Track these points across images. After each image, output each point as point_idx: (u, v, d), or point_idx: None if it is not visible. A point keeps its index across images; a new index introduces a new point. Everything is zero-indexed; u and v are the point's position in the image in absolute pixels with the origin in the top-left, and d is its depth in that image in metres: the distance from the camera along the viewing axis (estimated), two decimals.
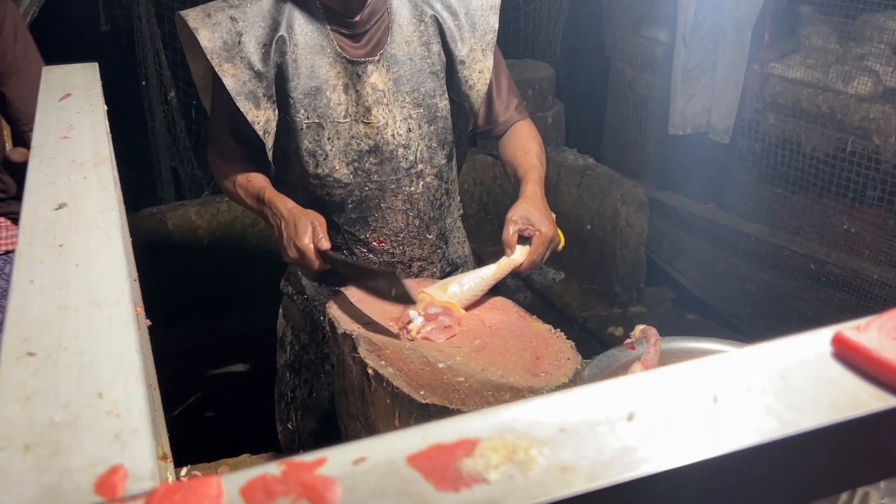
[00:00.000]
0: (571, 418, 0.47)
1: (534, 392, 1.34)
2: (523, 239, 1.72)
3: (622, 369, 1.73)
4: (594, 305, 4.32)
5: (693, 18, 3.84)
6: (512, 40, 4.95)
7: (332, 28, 1.76)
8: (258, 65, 1.73)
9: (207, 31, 1.72)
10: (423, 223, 1.91)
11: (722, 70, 3.86)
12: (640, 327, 1.84)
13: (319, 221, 1.67)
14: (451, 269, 2.03)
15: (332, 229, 1.85)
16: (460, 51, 1.83)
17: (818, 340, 0.54)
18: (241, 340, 3.98)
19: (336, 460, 0.44)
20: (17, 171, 2.33)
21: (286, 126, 1.79)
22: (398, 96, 1.80)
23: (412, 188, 1.86)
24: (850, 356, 0.52)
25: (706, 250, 4.24)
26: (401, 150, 1.82)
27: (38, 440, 0.48)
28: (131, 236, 1.00)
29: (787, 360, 0.53)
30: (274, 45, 1.73)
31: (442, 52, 1.84)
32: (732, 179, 4.11)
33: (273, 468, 0.44)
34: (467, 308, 1.63)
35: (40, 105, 1.18)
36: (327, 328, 1.65)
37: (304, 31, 1.75)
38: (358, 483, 0.42)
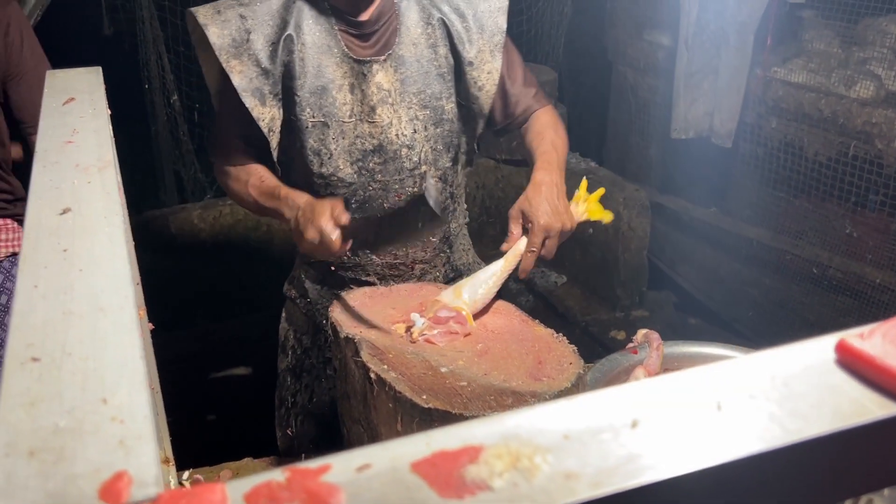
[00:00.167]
0: (575, 425, 0.47)
1: (536, 396, 1.34)
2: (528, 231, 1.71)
3: (624, 374, 1.73)
4: (596, 309, 4.32)
5: (695, 23, 3.84)
6: (515, 44, 4.95)
7: (340, 28, 1.77)
8: (265, 62, 1.74)
9: (217, 28, 1.73)
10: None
11: (724, 74, 3.86)
12: (642, 332, 1.84)
13: (337, 201, 1.61)
14: (455, 275, 2.02)
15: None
16: (468, 52, 1.84)
17: (821, 347, 0.54)
18: (243, 344, 3.98)
19: (340, 467, 0.44)
20: (26, 174, 2.34)
21: (292, 125, 1.80)
22: (405, 97, 1.80)
23: (416, 189, 1.86)
24: (853, 363, 0.52)
25: (708, 254, 4.24)
26: (405, 151, 1.82)
27: (42, 446, 0.48)
28: (133, 239, 1.01)
29: (791, 367, 0.53)
30: (282, 43, 1.74)
31: (449, 54, 1.85)
32: (735, 183, 4.11)
33: (277, 475, 0.44)
34: (476, 313, 1.63)
35: (44, 109, 1.18)
36: (329, 332, 1.65)
37: (312, 31, 1.76)
38: (362, 490, 0.42)
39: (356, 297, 1.68)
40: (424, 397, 1.32)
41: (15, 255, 2.22)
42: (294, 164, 1.85)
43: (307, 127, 1.78)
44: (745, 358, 0.54)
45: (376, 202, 1.85)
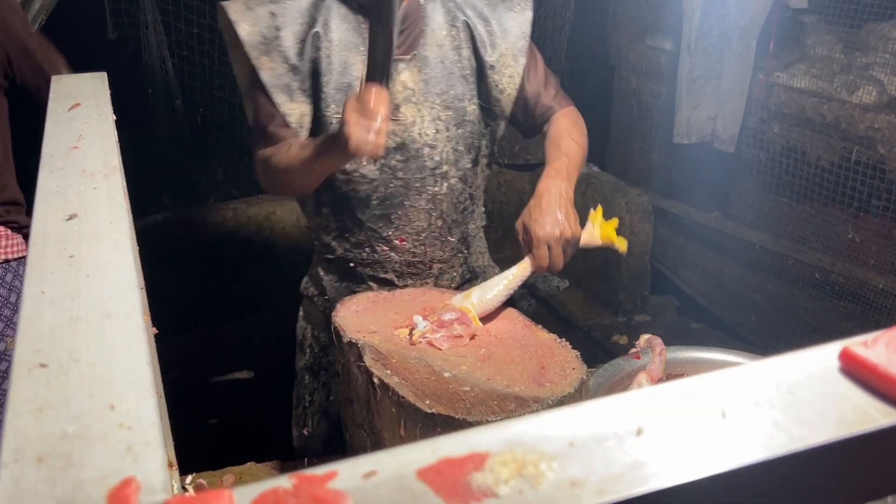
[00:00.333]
0: (580, 432, 0.47)
1: (539, 402, 1.34)
2: None
3: (627, 379, 1.73)
4: (598, 314, 4.32)
5: (698, 28, 3.85)
6: None
7: (367, 27, 1.78)
8: (294, 59, 1.77)
9: (247, 25, 1.77)
10: (445, 225, 1.93)
11: (727, 79, 3.86)
12: (645, 337, 1.84)
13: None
14: (471, 276, 2.04)
15: (356, 226, 1.89)
16: (490, 56, 1.87)
17: (825, 355, 0.54)
18: (246, 347, 3.98)
19: (347, 474, 0.45)
20: (25, 181, 2.32)
21: (317, 121, 1.82)
22: (428, 97, 1.83)
23: (436, 188, 1.88)
24: (857, 371, 0.52)
25: (711, 259, 4.24)
26: (427, 150, 1.84)
27: (50, 452, 0.48)
28: (136, 243, 1.01)
29: (795, 374, 0.53)
30: (309, 40, 1.78)
31: (472, 57, 1.88)
32: (737, 188, 4.11)
33: (284, 481, 0.44)
34: (484, 318, 1.63)
35: (50, 114, 1.19)
36: (333, 337, 1.65)
37: (339, 29, 1.79)
38: (368, 497, 0.42)
39: (359, 301, 1.69)
40: (427, 402, 1.32)
41: (7, 262, 2.22)
42: None
43: (332, 123, 1.80)
44: (750, 365, 0.54)
45: (397, 200, 1.86)
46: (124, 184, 0.95)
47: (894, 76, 3.36)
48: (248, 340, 4.02)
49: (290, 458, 2.03)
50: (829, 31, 3.71)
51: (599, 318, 4.28)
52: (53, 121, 1.14)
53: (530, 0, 1.96)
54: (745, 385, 0.52)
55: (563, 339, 1.56)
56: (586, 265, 4.41)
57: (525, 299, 4.46)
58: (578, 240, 1.72)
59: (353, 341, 1.49)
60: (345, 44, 1.79)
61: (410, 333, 1.54)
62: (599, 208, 1.82)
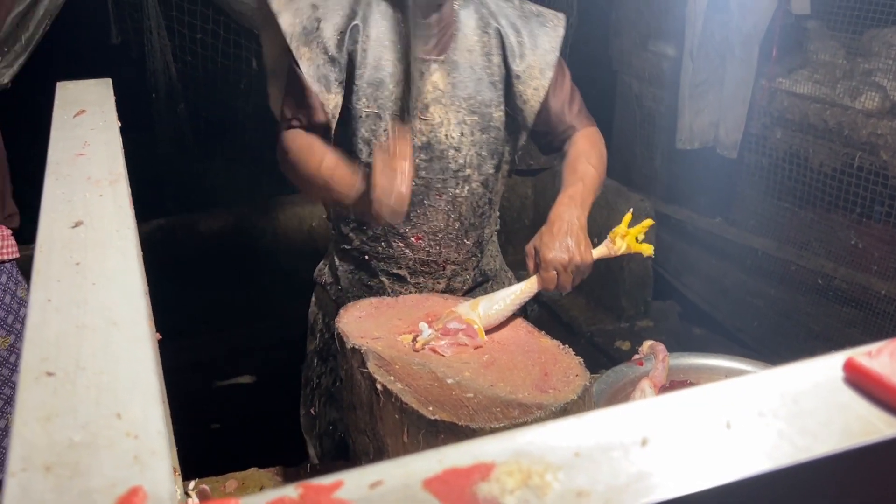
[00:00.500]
0: (586, 442, 0.47)
1: (542, 408, 1.34)
2: None
3: (630, 385, 1.73)
4: (601, 319, 4.32)
5: (700, 34, 3.85)
6: None
7: (404, 25, 1.82)
8: (333, 50, 1.80)
9: (289, 16, 1.81)
10: (462, 227, 1.94)
11: (729, 85, 3.87)
12: (647, 343, 1.84)
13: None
14: (483, 279, 2.06)
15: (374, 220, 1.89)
16: (518, 66, 1.89)
17: (830, 365, 0.55)
18: (248, 352, 3.99)
19: (353, 483, 0.45)
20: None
21: (347, 112, 1.85)
22: (454, 100, 1.85)
23: (457, 191, 1.90)
24: (861, 382, 0.52)
25: (713, 265, 4.24)
26: (451, 152, 1.86)
27: (58, 461, 0.48)
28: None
29: (799, 384, 0.53)
30: (349, 32, 1.81)
31: (502, 64, 1.89)
32: (740, 194, 4.11)
33: (291, 491, 0.44)
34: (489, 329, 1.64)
35: (55, 121, 1.19)
36: (336, 342, 1.65)
37: (378, 25, 1.82)
38: None
39: (363, 307, 1.69)
40: (431, 409, 1.32)
41: (2, 262, 2.22)
42: (343, 152, 1.87)
43: (361, 116, 1.83)
44: (754, 375, 0.54)
45: (417, 198, 1.87)
46: (129, 190, 0.95)
47: None
48: (251, 345, 4.02)
49: (292, 463, 2.03)
50: (831, 36, 3.71)
51: (602, 324, 4.28)
52: (59, 127, 1.15)
53: (563, 18, 1.98)
54: (750, 395, 0.52)
55: (566, 346, 1.56)
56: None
57: (527, 305, 4.45)
58: (589, 266, 1.74)
59: (357, 347, 1.49)
60: (381, 40, 1.82)
61: (414, 340, 1.54)
62: (628, 215, 1.79)
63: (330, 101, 1.82)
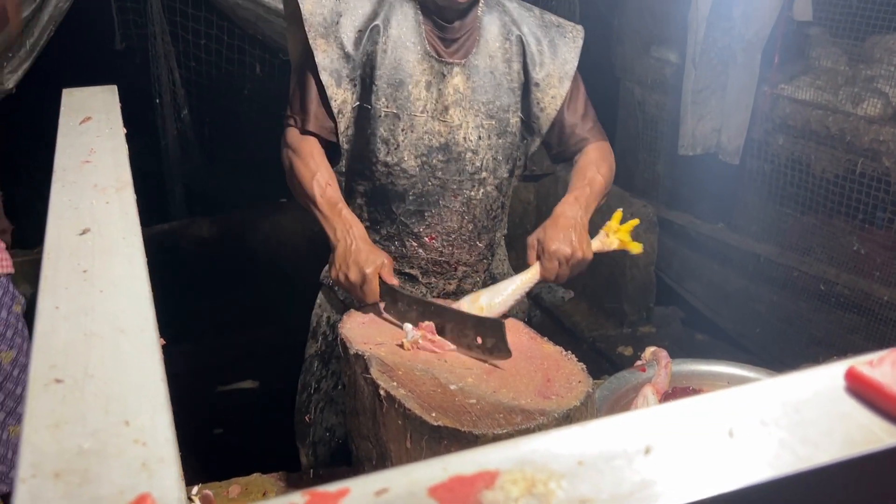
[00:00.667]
0: (589, 451, 0.48)
1: (545, 415, 1.34)
2: None
3: (633, 392, 1.73)
4: (603, 325, 4.32)
5: (703, 40, 3.86)
6: None
7: (427, 28, 1.86)
8: (349, 47, 1.83)
9: (311, 5, 1.83)
10: (475, 229, 1.97)
11: (732, 91, 3.87)
12: (650, 349, 1.85)
13: (389, 260, 1.71)
14: (491, 282, 2.07)
15: (388, 218, 1.93)
16: (538, 74, 1.92)
17: (831, 374, 0.55)
18: (251, 357, 3.99)
19: (359, 491, 0.45)
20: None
21: (365, 112, 1.87)
22: (473, 104, 1.87)
23: (472, 193, 1.92)
24: (863, 391, 0.53)
25: (715, 270, 4.24)
26: (469, 155, 1.89)
27: (67, 468, 0.49)
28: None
29: (801, 393, 0.53)
30: (368, 32, 1.84)
31: (521, 71, 1.92)
32: (742, 200, 4.12)
33: (297, 498, 0.45)
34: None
35: (61, 128, 1.20)
36: (340, 348, 1.66)
37: (399, 26, 1.85)
38: None
39: (366, 313, 1.69)
40: (434, 415, 1.32)
41: None
42: (361, 151, 1.91)
43: (380, 116, 1.85)
44: (756, 384, 0.54)
45: (432, 198, 1.90)
46: (134, 198, 0.96)
47: None
48: (254, 350, 4.02)
49: (295, 468, 2.04)
50: (833, 43, 3.72)
51: (604, 329, 4.28)
52: (65, 134, 1.15)
53: (581, 30, 2.01)
54: (752, 404, 0.52)
55: (569, 352, 1.56)
56: (591, 276, 4.41)
57: (530, 310, 4.46)
58: (588, 261, 1.77)
59: (360, 353, 1.49)
60: (402, 41, 1.84)
61: (401, 344, 1.55)
62: (618, 213, 1.85)
63: (338, 96, 1.85)
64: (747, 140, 3.88)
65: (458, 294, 1.95)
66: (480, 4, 1.89)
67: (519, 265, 1.76)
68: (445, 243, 1.96)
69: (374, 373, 1.43)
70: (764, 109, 3.80)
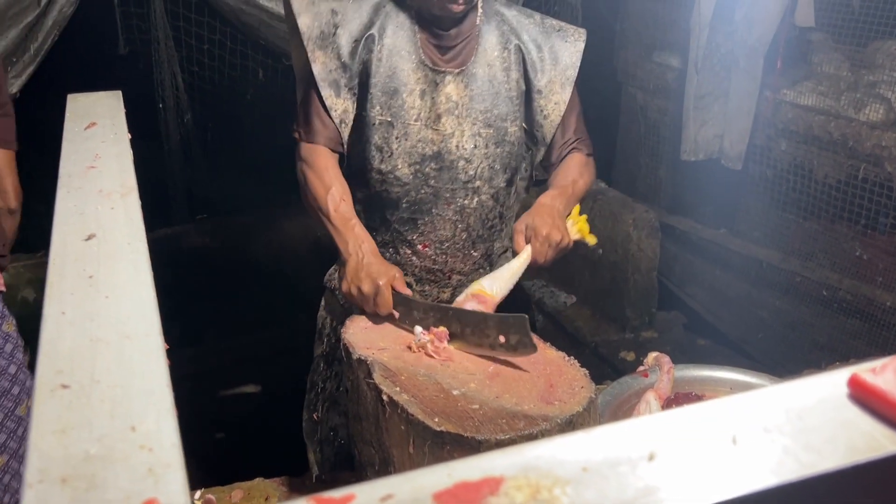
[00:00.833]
0: (594, 457, 0.48)
1: (548, 420, 1.34)
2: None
3: (635, 397, 1.73)
4: (606, 330, 4.32)
5: (705, 45, 3.86)
6: None
7: (423, 37, 1.87)
8: (346, 57, 1.86)
9: (308, 19, 1.86)
10: (469, 238, 1.97)
11: (734, 97, 3.88)
12: (653, 355, 1.85)
13: (399, 273, 1.71)
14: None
15: (383, 225, 1.95)
16: (539, 81, 1.93)
17: (834, 381, 0.55)
18: (254, 361, 3.99)
19: (364, 497, 0.46)
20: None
21: (361, 120, 1.89)
22: (471, 112, 1.88)
23: (466, 201, 1.92)
24: (865, 398, 0.53)
25: (718, 275, 4.24)
26: (462, 163, 1.89)
27: (74, 473, 0.49)
28: None
29: (804, 400, 0.54)
30: (363, 41, 1.86)
31: (521, 80, 1.93)
32: (744, 205, 4.12)
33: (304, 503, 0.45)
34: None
35: (66, 133, 1.21)
36: (342, 352, 1.66)
37: (394, 35, 1.87)
38: None
39: (369, 318, 1.70)
40: (437, 420, 1.32)
41: None
42: (357, 158, 1.93)
43: (374, 124, 1.87)
44: (760, 391, 0.55)
45: (425, 206, 1.92)
46: (140, 203, 0.96)
47: None
48: (257, 354, 4.02)
49: (297, 473, 2.04)
50: (836, 48, 3.73)
51: (607, 334, 4.28)
52: (70, 140, 1.16)
53: (584, 33, 2.01)
54: (756, 411, 0.52)
55: (572, 357, 1.56)
56: (593, 281, 4.41)
57: (532, 315, 4.46)
58: (570, 248, 1.81)
59: (363, 358, 1.50)
60: (397, 50, 1.86)
61: (409, 348, 1.56)
62: (577, 207, 1.91)
63: (338, 106, 1.87)
64: (750, 145, 3.88)
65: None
66: (479, 14, 1.89)
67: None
68: (438, 251, 1.96)
69: (377, 378, 1.43)
70: (766, 115, 3.81)
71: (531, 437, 1.31)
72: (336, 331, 2.11)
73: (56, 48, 3.55)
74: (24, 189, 2.36)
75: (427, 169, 1.88)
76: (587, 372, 1.51)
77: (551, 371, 1.51)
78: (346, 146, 1.91)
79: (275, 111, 4.39)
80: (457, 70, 1.87)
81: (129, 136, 1.21)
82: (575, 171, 1.96)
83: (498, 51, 1.91)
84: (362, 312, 1.73)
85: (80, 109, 1.30)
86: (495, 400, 1.40)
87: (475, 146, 1.89)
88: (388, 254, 1.97)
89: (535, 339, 1.66)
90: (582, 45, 1.98)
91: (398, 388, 1.41)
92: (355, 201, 1.97)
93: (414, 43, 1.86)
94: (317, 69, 1.85)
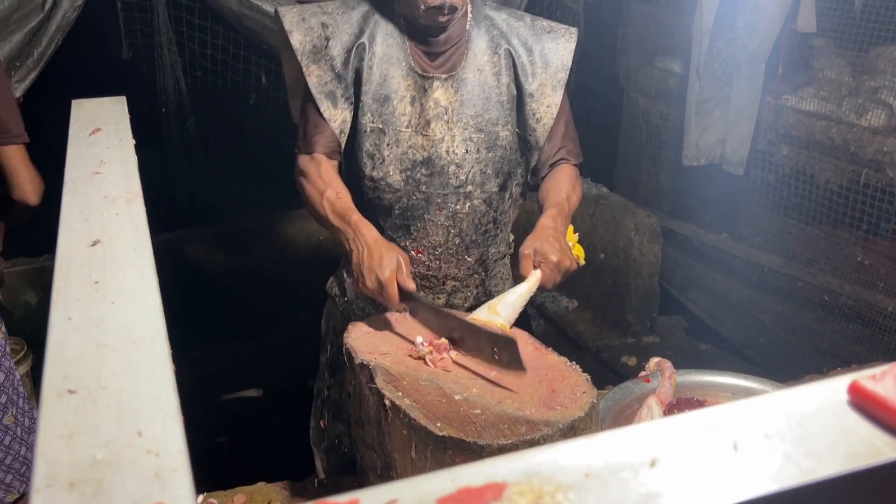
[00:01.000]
0: (596, 463, 0.49)
1: (550, 425, 1.34)
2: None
3: (637, 402, 1.74)
4: (607, 334, 4.32)
5: (707, 51, 3.87)
6: None
7: (412, 44, 1.88)
8: (339, 68, 1.87)
9: (300, 35, 1.87)
10: (463, 243, 1.97)
11: (736, 102, 3.88)
12: (654, 360, 1.85)
13: (404, 258, 1.69)
14: (487, 298, 2.06)
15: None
16: (531, 85, 1.92)
17: (835, 388, 0.56)
18: (256, 365, 3.99)
19: (368, 502, 0.46)
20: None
21: (353, 127, 1.90)
22: (461, 117, 1.88)
23: (457, 207, 1.92)
24: (866, 405, 0.53)
25: (719, 280, 4.24)
26: (452, 168, 1.89)
27: (81, 478, 0.49)
28: None
29: (805, 407, 0.54)
30: (354, 50, 1.87)
31: (512, 84, 1.93)
32: (746, 210, 4.12)
33: None
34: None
35: (71, 139, 1.21)
36: (345, 357, 1.66)
37: (384, 43, 1.88)
38: None
39: (371, 323, 1.70)
40: (439, 425, 1.32)
41: None
42: (351, 166, 1.94)
43: (366, 131, 1.88)
44: (761, 398, 0.55)
45: (417, 212, 1.92)
46: (145, 209, 0.97)
47: None
48: (259, 359, 4.03)
49: (299, 477, 2.04)
50: (837, 54, 3.73)
51: (608, 339, 4.28)
52: (75, 146, 1.16)
53: (575, 32, 2.01)
54: (757, 417, 0.53)
55: (573, 362, 1.57)
56: (595, 286, 4.42)
57: (534, 319, 4.46)
58: (576, 270, 1.80)
59: (365, 363, 1.50)
60: (387, 57, 1.87)
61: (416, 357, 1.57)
62: (570, 227, 1.90)
63: (337, 117, 1.88)
64: (751, 151, 3.89)
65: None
66: (468, 19, 1.90)
67: (518, 275, 1.77)
68: (432, 257, 1.97)
69: (380, 382, 1.43)
70: (768, 120, 3.81)
71: (533, 443, 1.32)
72: (338, 338, 2.11)
73: (59, 53, 3.56)
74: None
75: (418, 175, 1.89)
76: (589, 377, 1.51)
77: (553, 376, 1.52)
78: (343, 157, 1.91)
79: (277, 116, 4.41)
80: (445, 75, 1.88)
81: (134, 141, 1.21)
82: (567, 185, 1.95)
83: (488, 55, 1.91)
84: (365, 317, 1.73)
85: (85, 115, 1.31)
86: (497, 405, 1.40)
87: (466, 151, 1.89)
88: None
89: (537, 344, 1.66)
90: (573, 45, 1.98)
91: (400, 393, 1.41)
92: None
93: (404, 50, 1.87)
94: (312, 83, 1.86)
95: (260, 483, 1.90)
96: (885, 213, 3.39)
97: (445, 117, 1.87)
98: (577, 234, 1.89)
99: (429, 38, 1.86)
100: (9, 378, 2.22)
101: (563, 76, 1.95)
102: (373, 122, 1.87)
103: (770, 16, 3.63)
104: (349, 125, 1.89)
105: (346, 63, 1.86)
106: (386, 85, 1.86)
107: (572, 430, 1.36)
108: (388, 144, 1.87)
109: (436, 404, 1.39)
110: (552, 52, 1.95)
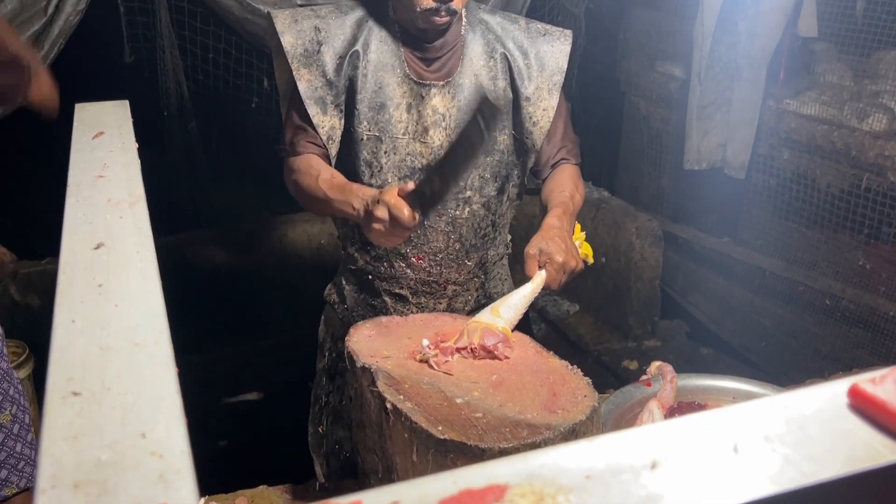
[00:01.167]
0: (597, 465, 0.49)
1: (551, 429, 1.34)
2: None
3: (638, 406, 1.74)
4: (608, 338, 4.32)
5: (708, 55, 3.87)
6: None
7: (406, 51, 1.87)
8: (331, 74, 1.85)
9: (291, 37, 1.85)
10: (463, 248, 1.97)
11: (737, 106, 3.89)
12: (655, 364, 1.85)
13: (402, 185, 1.63)
14: (487, 301, 2.06)
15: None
16: (527, 88, 1.92)
17: (834, 391, 0.56)
18: (257, 369, 3.99)
19: (370, 503, 0.46)
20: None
21: (349, 136, 1.89)
22: (459, 123, 1.87)
23: (457, 212, 1.93)
24: (865, 408, 0.53)
25: (721, 284, 4.24)
26: None
27: (85, 479, 0.50)
28: None
29: (805, 410, 0.54)
30: (348, 58, 1.85)
31: (508, 88, 1.93)
32: (747, 214, 4.12)
33: None
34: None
35: (74, 143, 1.22)
36: (346, 361, 1.67)
37: (378, 50, 1.86)
38: None
39: (372, 326, 1.70)
40: (440, 428, 1.33)
41: None
42: (346, 174, 1.91)
43: (362, 139, 1.87)
44: (761, 401, 0.55)
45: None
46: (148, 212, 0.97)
47: None
48: (259, 362, 4.03)
49: (301, 480, 2.04)
50: (838, 58, 3.74)
51: (609, 343, 4.28)
52: (78, 149, 1.17)
53: (570, 34, 2.00)
54: (757, 420, 0.53)
55: (575, 366, 1.57)
56: (596, 289, 4.42)
57: (535, 323, 4.46)
58: (582, 270, 1.80)
59: (367, 366, 1.50)
60: (382, 65, 1.86)
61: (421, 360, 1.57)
62: (578, 226, 1.90)
63: (325, 123, 1.86)
64: (753, 155, 3.89)
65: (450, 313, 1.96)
66: (463, 23, 1.89)
67: (526, 280, 1.77)
68: (433, 263, 1.96)
69: (381, 386, 1.44)
70: (769, 124, 3.82)
71: (534, 446, 1.32)
72: (336, 345, 2.12)
73: (62, 57, 3.57)
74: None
75: (416, 181, 1.88)
76: (590, 381, 1.51)
77: (554, 380, 1.52)
78: (333, 162, 1.90)
79: (279, 120, 4.40)
80: (442, 82, 1.87)
81: (136, 145, 1.22)
82: (570, 184, 1.95)
83: (484, 60, 1.90)
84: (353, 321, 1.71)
85: (88, 119, 1.31)
86: (498, 408, 1.40)
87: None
88: (382, 267, 1.98)
89: (538, 347, 1.66)
90: (568, 47, 1.97)
91: (402, 396, 1.41)
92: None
93: (398, 57, 1.86)
94: (302, 87, 1.84)
95: (262, 486, 1.90)
96: (886, 217, 3.39)
97: (443, 124, 1.87)
98: (584, 232, 1.89)
99: (424, 43, 1.86)
100: (5, 378, 2.23)
101: (559, 79, 1.95)
102: (369, 131, 1.86)
103: (771, 20, 3.64)
104: (338, 133, 1.88)
105: (338, 70, 1.85)
106: (381, 93, 1.85)
107: (574, 433, 1.36)
108: (385, 152, 1.87)
109: (437, 408, 1.40)
110: (548, 54, 1.94)
